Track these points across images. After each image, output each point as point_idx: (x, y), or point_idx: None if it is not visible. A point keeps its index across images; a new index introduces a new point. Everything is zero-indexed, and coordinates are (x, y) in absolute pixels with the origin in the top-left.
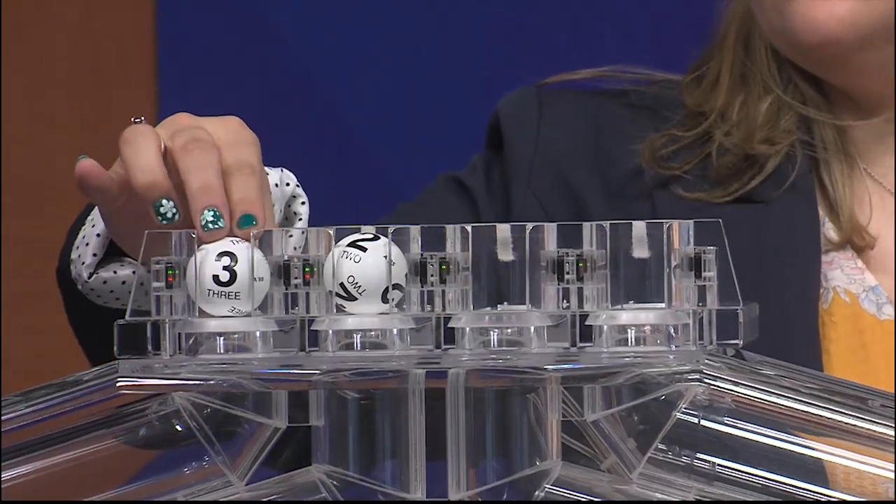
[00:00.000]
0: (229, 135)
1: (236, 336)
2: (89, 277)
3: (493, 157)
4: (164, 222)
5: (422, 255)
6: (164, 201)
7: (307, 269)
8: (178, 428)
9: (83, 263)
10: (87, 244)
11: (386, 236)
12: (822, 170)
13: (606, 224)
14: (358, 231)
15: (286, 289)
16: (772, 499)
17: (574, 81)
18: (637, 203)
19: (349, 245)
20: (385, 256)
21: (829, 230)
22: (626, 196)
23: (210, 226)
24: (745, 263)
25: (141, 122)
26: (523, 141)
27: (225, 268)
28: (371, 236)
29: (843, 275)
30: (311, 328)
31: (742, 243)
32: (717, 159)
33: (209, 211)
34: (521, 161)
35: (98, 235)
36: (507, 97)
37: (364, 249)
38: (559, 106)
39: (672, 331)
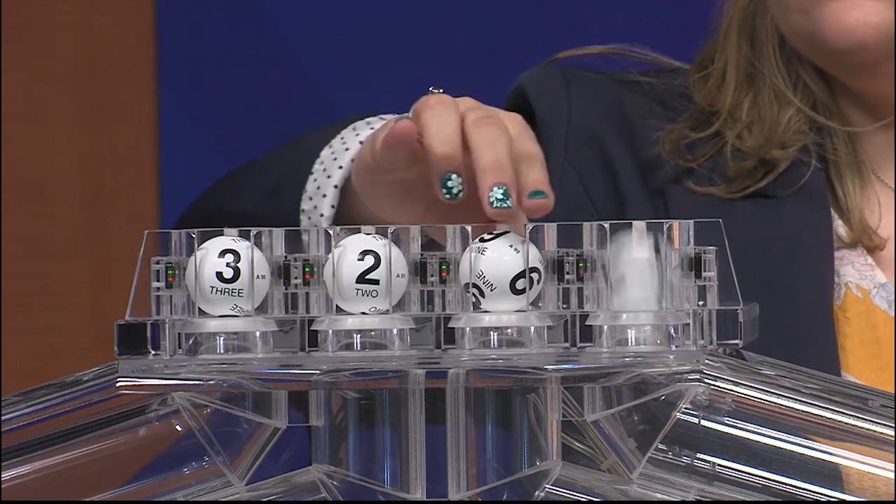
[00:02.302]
0: (518, 128)
1: (236, 336)
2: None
3: None
4: (448, 198)
5: (422, 255)
6: (454, 176)
7: (307, 269)
8: (178, 428)
9: (321, 215)
10: (325, 196)
11: (386, 236)
12: (832, 172)
13: (607, 224)
14: (358, 231)
15: (286, 289)
16: (772, 499)
17: (583, 59)
18: (652, 195)
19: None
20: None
21: (840, 227)
22: (646, 186)
23: (499, 203)
24: (759, 258)
25: (440, 92)
26: (556, 112)
27: (228, 265)
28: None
29: (854, 271)
30: (311, 328)
31: (755, 239)
32: (731, 160)
33: (499, 188)
34: (557, 132)
35: (336, 187)
36: (529, 73)
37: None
38: (583, 81)
39: (672, 331)
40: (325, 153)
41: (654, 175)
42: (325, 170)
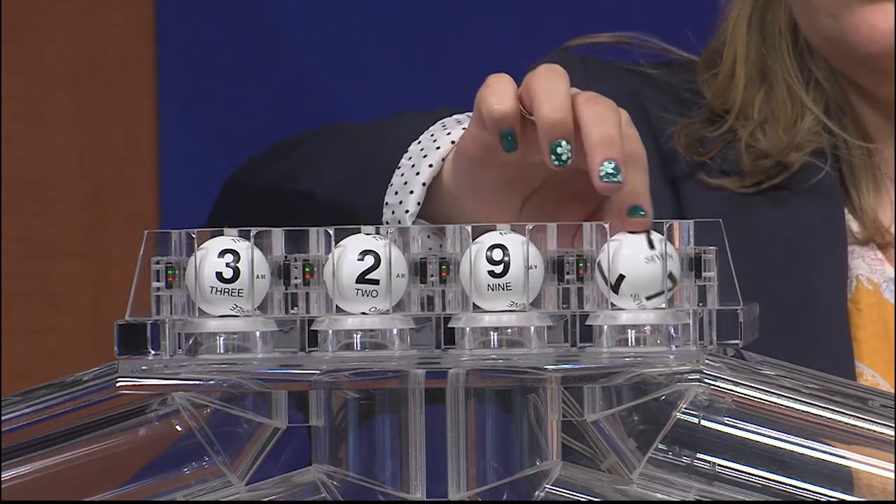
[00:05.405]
0: (627, 125)
1: (236, 336)
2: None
3: None
4: (557, 164)
5: (422, 255)
6: (564, 143)
7: (307, 269)
8: (178, 428)
9: (406, 211)
10: (412, 192)
11: (386, 236)
12: (845, 171)
13: (607, 224)
14: (358, 231)
15: (286, 289)
16: (772, 499)
17: (592, 47)
18: (669, 185)
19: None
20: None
21: (852, 223)
22: (666, 175)
23: (608, 178)
24: (772, 250)
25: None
26: None
27: (228, 265)
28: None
29: (864, 265)
30: (311, 328)
31: (769, 230)
32: (745, 155)
33: (609, 163)
34: None
35: (424, 184)
36: (545, 60)
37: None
38: (601, 69)
39: (672, 331)
40: (414, 148)
41: (671, 168)
42: (413, 165)
